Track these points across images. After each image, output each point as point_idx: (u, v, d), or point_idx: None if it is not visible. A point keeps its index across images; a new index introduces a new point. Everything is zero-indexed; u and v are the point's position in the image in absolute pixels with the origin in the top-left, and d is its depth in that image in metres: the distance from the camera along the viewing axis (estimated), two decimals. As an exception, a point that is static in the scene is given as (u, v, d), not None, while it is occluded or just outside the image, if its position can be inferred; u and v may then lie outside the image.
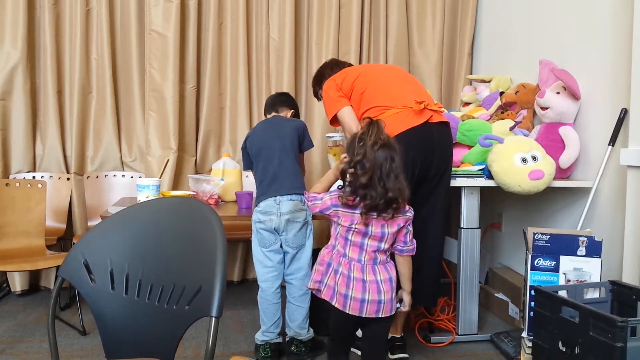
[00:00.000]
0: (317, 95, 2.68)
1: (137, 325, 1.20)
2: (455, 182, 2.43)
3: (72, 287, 3.05)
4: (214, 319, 1.02)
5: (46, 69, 3.20)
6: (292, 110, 2.54)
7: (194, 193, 2.80)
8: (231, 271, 3.51)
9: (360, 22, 3.55)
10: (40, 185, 2.83)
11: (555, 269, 2.14)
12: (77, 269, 1.26)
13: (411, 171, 2.13)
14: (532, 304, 2.01)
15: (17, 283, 3.18)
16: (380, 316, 1.79)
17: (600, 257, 2.10)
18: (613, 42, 2.41)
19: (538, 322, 1.95)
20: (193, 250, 1.15)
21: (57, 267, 2.07)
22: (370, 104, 2.24)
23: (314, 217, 2.32)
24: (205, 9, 3.39)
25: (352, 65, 2.63)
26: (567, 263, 2.12)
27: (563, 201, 2.72)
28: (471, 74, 3.70)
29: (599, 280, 2.08)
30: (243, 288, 3.43)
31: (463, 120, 2.83)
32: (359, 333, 2.01)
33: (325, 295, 1.83)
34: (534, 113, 2.82)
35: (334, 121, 2.38)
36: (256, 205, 2.29)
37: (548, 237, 2.14)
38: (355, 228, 1.77)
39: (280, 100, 2.55)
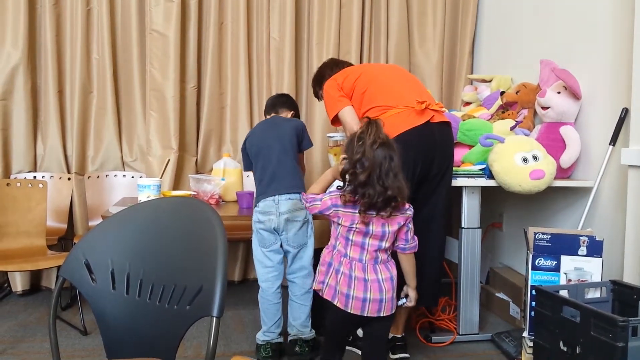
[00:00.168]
0: (318, 95, 2.67)
1: (138, 325, 1.20)
2: (456, 182, 2.43)
3: (73, 287, 3.04)
4: (215, 318, 1.02)
5: (47, 68, 3.20)
6: (292, 112, 2.54)
7: (195, 193, 2.80)
8: (232, 271, 3.51)
9: (360, 21, 3.54)
10: (41, 185, 2.83)
11: (556, 269, 2.13)
12: (78, 269, 1.26)
13: (412, 171, 2.13)
14: (533, 303, 2.01)
15: (18, 283, 3.18)
16: (381, 315, 1.79)
17: (601, 256, 2.10)
18: (614, 41, 2.41)
19: (539, 321, 1.95)
20: (194, 250, 1.15)
21: (58, 267, 2.07)
22: (371, 104, 2.23)
23: (314, 217, 2.31)
24: (206, 8, 3.39)
25: (352, 64, 2.62)
26: (568, 263, 2.12)
27: (564, 201, 2.72)
28: (472, 73, 3.70)
29: (600, 280, 2.08)
30: (244, 288, 3.43)
31: (464, 120, 2.82)
32: (360, 332, 2.00)
33: (327, 294, 1.83)
34: (535, 113, 2.82)
35: (335, 121, 2.38)
36: (255, 206, 2.29)
37: (549, 236, 2.14)
38: (356, 228, 1.77)
39: (281, 102, 2.55)
